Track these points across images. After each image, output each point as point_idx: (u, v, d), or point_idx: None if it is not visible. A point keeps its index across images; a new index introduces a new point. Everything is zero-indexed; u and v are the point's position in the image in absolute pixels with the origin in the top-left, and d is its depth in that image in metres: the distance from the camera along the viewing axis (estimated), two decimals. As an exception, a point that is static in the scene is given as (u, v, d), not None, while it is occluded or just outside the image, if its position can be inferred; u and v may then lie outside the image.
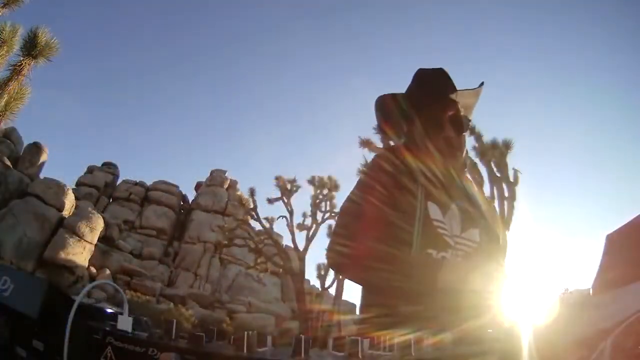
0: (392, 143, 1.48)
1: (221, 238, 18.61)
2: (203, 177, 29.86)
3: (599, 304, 0.55)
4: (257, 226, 16.21)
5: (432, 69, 1.22)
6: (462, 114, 1.22)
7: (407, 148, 1.26)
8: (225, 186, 28.59)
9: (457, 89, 1.22)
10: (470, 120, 1.26)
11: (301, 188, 15.61)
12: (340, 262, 1.13)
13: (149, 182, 27.71)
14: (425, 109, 1.22)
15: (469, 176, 1.36)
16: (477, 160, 10.05)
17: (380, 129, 1.37)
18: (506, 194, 9.72)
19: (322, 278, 15.91)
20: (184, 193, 28.70)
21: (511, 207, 9.63)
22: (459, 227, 1.18)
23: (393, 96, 1.27)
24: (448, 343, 0.59)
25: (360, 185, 1.20)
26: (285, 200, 15.39)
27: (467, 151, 1.26)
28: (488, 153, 9.87)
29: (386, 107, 1.29)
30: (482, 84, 1.26)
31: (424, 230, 1.11)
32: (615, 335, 0.53)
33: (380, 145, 9.05)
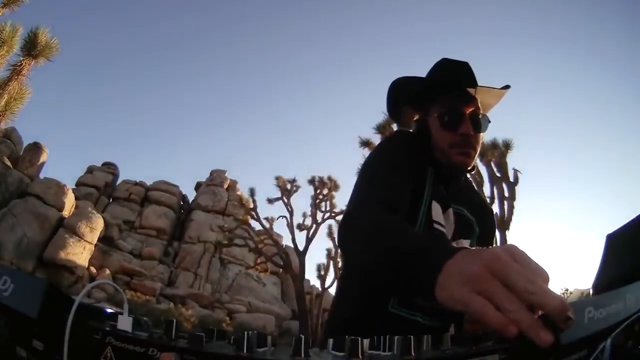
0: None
1: (221, 238, 18.61)
2: (203, 177, 29.86)
3: (599, 304, 0.55)
4: (257, 226, 16.24)
5: (457, 60, 1.14)
6: (481, 111, 1.13)
7: (419, 136, 1.17)
8: (225, 186, 28.58)
9: (479, 84, 1.12)
10: (490, 121, 1.15)
11: (301, 188, 15.64)
12: (341, 229, 0.93)
13: (149, 182, 27.70)
14: (444, 100, 1.12)
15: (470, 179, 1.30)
16: (477, 160, 10.07)
17: (391, 110, 1.24)
18: (506, 194, 9.73)
19: (322, 278, 15.92)
20: (184, 193, 28.71)
21: (511, 207, 9.64)
22: (451, 234, 1.11)
23: (411, 79, 1.17)
24: (448, 343, 0.59)
25: (378, 154, 1.12)
26: (285, 200, 15.40)
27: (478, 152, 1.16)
28: (488, 153, 9.88)
29: (403, 86, 1.17)
30: (507, 87, 1.17)
31: (424, 230, 1.05)
32: (615, 335, 0.53)
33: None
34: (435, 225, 1.07)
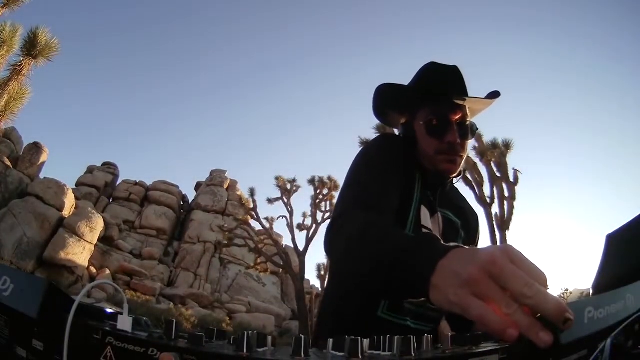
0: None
1: (221, 238, 18.61)
2: (203, 177, 29.87)
3: (599, 304, 0.55)
4: (257, 226, 16.25)
5: (446, 65, 1.13)
6: (468, 118, 1.11)
7: (406, 140, 1.16)
8: (225, 186, 28.58)
9: (469, 94, 1.10)
10: (477, 129, 1.14)
11: (301, 188, 15.65)
12: (328, 235, 0.90)
13: (149, 182, 27.70)
14: (431, 106, 1.10)
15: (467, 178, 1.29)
16: (477, 160, 10.06)
17: (378, 114, 1.22)
18: (506, 194, 9.73)
19: (322, 278, 15.92)
20: (184, 193, 28.70)
21: (511, 207, 9.64)
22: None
23: (396, 87, 1.15)
24: (448, 343, 0.59)
25: (365, 158, 1.09)
26: (285, 200, 15.40)
27: (465, 158, 1.16)
28: (488, 153, 9.88)
29: (388, 92, 1.16)
30: (497, 95, 1.14)
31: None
32: (615, 335, 0.53)
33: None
34: (424, 231, 1.06)
